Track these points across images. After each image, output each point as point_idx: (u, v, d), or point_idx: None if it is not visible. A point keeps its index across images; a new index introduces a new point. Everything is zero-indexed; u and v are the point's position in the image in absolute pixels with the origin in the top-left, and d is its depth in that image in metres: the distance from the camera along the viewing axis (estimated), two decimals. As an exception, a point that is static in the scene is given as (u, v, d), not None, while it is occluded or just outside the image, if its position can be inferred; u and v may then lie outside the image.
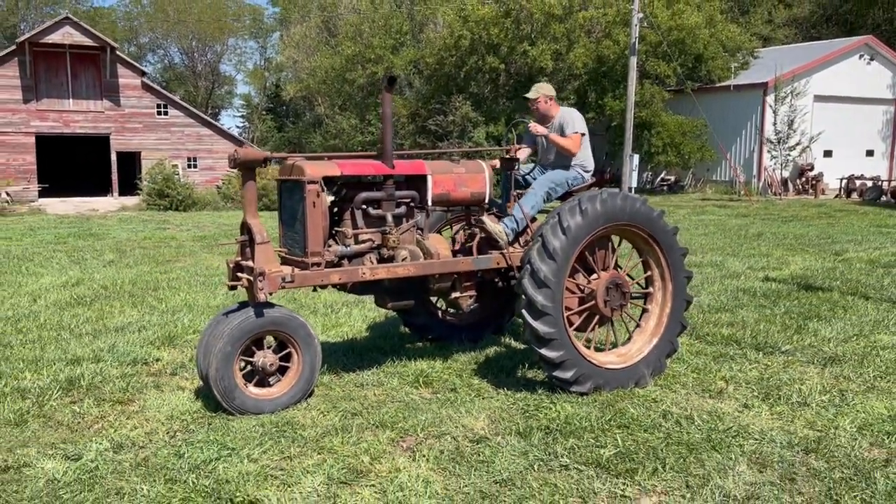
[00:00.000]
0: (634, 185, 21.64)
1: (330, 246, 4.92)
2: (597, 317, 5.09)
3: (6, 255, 12.91)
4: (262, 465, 3.79)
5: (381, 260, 5.08)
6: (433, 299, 6.08)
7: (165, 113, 34.10)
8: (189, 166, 33.32)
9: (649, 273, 5.28)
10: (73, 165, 35.81)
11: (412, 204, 5.23)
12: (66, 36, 30.91)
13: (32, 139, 31.31)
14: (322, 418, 4.48)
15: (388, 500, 3.41)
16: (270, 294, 4.57)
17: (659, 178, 30.64)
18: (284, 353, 4.71)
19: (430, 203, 5.22)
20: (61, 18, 31.94)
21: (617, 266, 5.33)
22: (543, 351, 4.68)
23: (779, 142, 26.37)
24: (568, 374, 4.70)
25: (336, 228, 5.06)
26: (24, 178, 30.64)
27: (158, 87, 36.27)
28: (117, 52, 33.14)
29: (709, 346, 6.03)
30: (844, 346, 5.91)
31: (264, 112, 64.38)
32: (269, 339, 4.74)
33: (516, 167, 5.70)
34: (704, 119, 27.10)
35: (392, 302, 5.29)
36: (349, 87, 38.29)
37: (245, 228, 4.75)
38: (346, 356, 5.81)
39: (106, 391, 4.98)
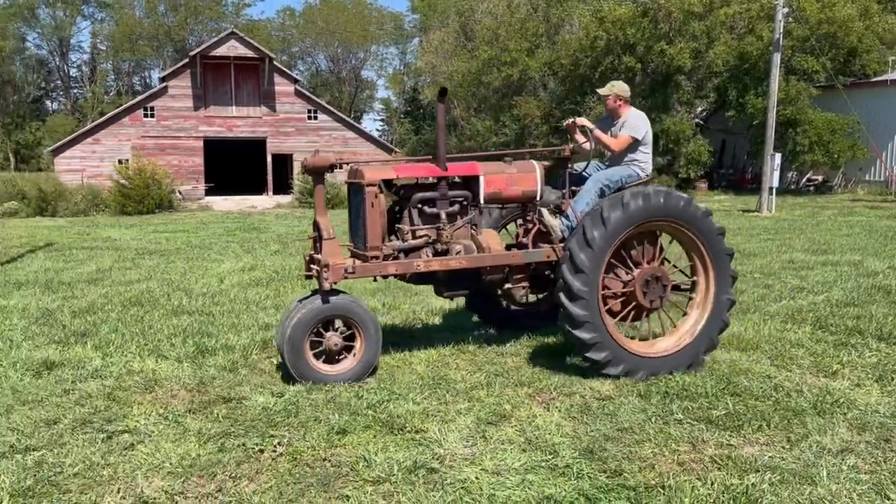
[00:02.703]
0: (776, 185, 21.03)
1: (390, 241, 5.49)
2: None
3: (189, 245, 14.85)
4: (423, 406, 4.67)
5: (436, 254, 5.52)
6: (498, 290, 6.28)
7: (315, 117, 36.59)
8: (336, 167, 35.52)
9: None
10: (234, 166, 39.11)
11: (465, 202, 5.67)
12: (231, 49, 33.96)
13: (201, 143, 34.67)
14: (470, 376, 5.31)
15: (527, 437, 4.16)
16: (335, 283, 5.17)
17: (805, 179, 29.39)
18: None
19: (482, 201, 5.64)
20: (227, 33, 35.08)
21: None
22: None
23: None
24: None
25: (397, 225, 5.61)
26: (193, 177, 34.02)
27: (309, 94, 38.88)
28: (274, 63, 35.98)
29: (831, 335, 6.31)
30: (973, 340, 6.02)
31: (402, 115, 66.83)
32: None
33: (571, 165, 5.98)
34: (857, 116, 25.77)
35: (447, 291, 5.78)
36: (484, 89, 39.31)
37: (315, 226, 5.48)
38: (487, 331, 6.63)
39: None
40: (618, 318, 5.39)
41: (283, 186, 33.99)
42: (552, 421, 4.39)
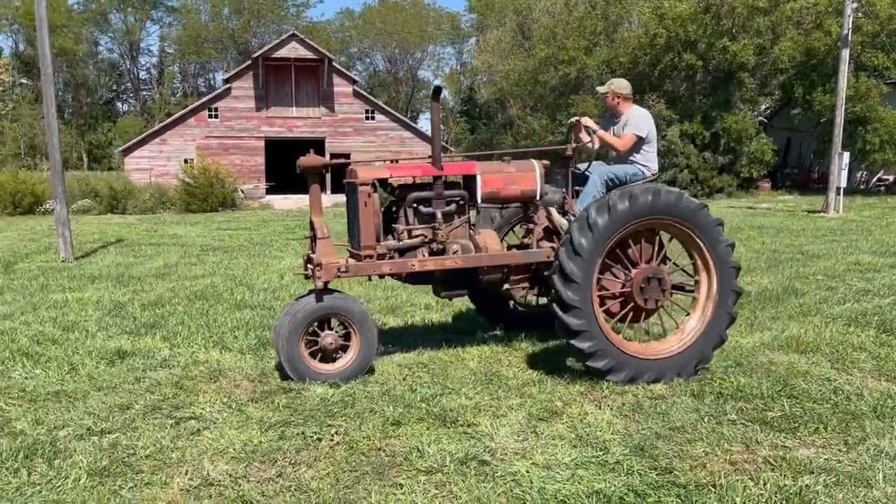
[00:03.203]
0: (844, 185, 20.35)
1: (387, 240, 5.46)
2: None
3: (251, 241, 15.29)
4: (475, 401, 4.76)
5: (432, 253, 5.47)
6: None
7: (372, 118, 37.08)
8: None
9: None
10: (294, 166, 39.93)
11: (462, 202, 5.59)
12: (292, 51, 34.71)
13: (262, 143, 35.56)
14: (522, 373, 5.38)
15: (578, 433, 4.21)
16: (327, 283, 5.18)
17: (875, 178, 28.37)
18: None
19: (479, 201, 5.56)
20: (288, 35, 35.85)
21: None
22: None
23: None
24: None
25: (393, 225, 5.57)
26: (254, 177, 34.92)
27: (367, 94, 39.42)
28: (333, 64, 36.61)
29: (896, 339, 6.15)
30: None
31: (458, 115, 66.99)
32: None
33: (573, 165, 5.90)
34: (930, 113, 24.76)
35: (444, 291, 5.71)
36: (541, 88, 39.12)
37: (311, 226, 5.44)
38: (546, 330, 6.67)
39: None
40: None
41: (340, 186, 34.52)
42: (603, 418, 4.42)
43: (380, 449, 4.04)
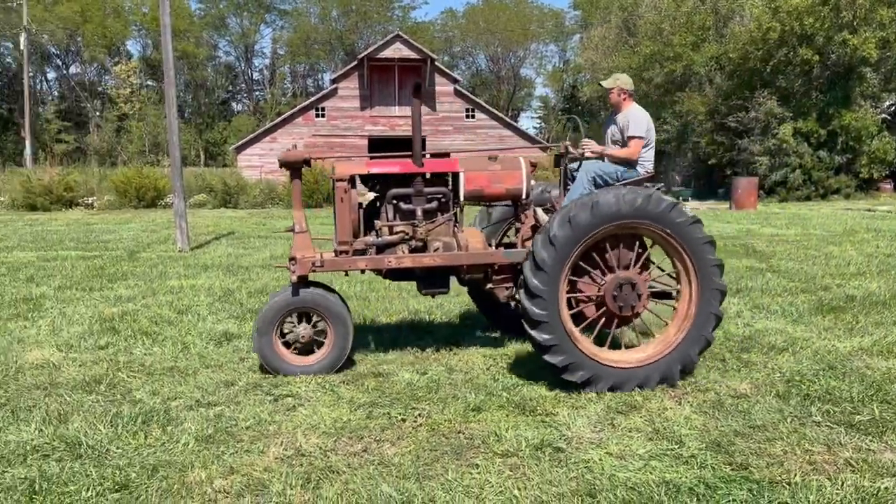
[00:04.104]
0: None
1: (369, 236, 5.45)
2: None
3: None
4: (555, 392, 4.87)
5: (413, 250, 5.42)
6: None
7: (472, 116, 37.43)
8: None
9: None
10: (395, 164, 40.80)
11: (444, 199, 5.49)
12: (396, 51, 35.55)
13: (366, 141, 36.59)
14: (604, 368, 5.44)
15: (655, 427, 4.26)
16: (300, 277, 5.24)
17: None
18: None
19: (462, 198, 5.46)
20: (393, 36, 36.73)
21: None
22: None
23: None
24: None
25: (375, 221, 5.53)
26: (357, 174, 35.98)
27: (467, 93, 39.81)
28: (435, 63, 37.20)
29: None
30: None
31: (560, 113, 66.42)
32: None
33: (565, 163, 5.71)
34: None
35: (425, 289, 5.66)
36: (646, 85, 38.24)
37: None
38: (627, 328, 6.69)
39: (440, 335, 6.48)
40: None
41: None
42: (682, 414, 4.45)
43: (459, 432, 4.23)
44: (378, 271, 5.50)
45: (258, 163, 36.03)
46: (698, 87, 35.33)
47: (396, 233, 5.45)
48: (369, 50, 37.27)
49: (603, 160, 5.90)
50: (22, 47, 45.54)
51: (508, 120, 40.36)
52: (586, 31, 57.65)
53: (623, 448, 3.95)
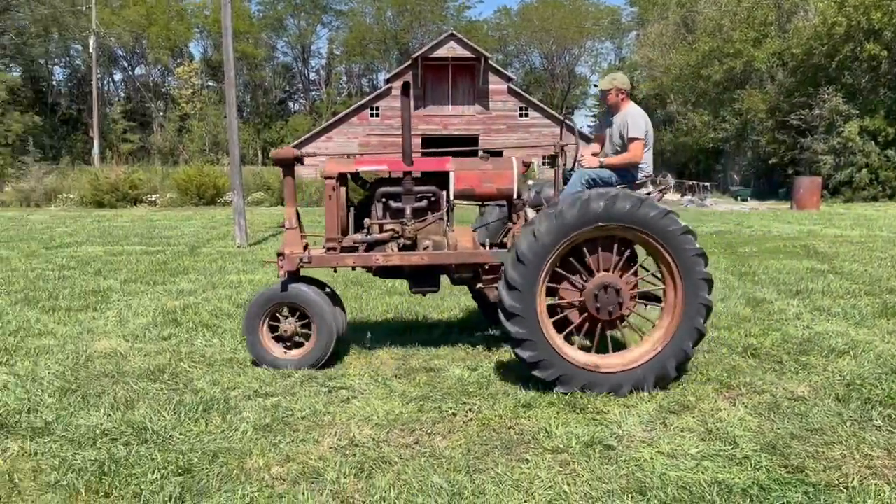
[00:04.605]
0: None
1: (360, 234, 5.52)
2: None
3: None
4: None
5: (402, 248, 5.45)
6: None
7: (526, 115, 37.30)
8: (544, 163, 36.06)
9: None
10: (448, 162, 41.03)
11: (433, 198, 5.52)
12: (450, 50, 35.69)
13: (419, 140, 36.81)
14: (657, 368, 5.39)
15: (707, 427, 4.22)
16: (289, 272, 5.38)
17: None
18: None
19: (452, 197, 5.46)
20: (447, 35, 36.90)
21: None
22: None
23: None
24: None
25: (365, 219, 5.59)
26: (411, 173, 36.28)
27: (521, 92, 39.69)
28: (489, 62, 37.20)
29: None
30: None
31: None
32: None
33: (561, 164, 5.61)
34: None
35: (414, 288, 5.72)
36: (704, 83, 37.57)
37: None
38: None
39: (490, 333, 6.52)
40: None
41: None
42: (736, 416, 4.39)
43: (510, 427, 4.27)
44: (368, 268, 5.59)
45: (314, 161, 36.61)
46: (759, 84, 34.46)
47: (386, 231, 5.52)
48: (423, 49, 37.51)
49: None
50: (91, 50, 47.35)
51: (560, 117, 40.12)
52: (643, 27, 56.81)
53: (675, 447, 3.93)
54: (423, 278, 5.67)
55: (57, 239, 15.05)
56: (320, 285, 5.68)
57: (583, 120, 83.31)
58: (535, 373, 4.79)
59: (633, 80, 62.01)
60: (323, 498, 3.41)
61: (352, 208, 5.72)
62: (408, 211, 5.48)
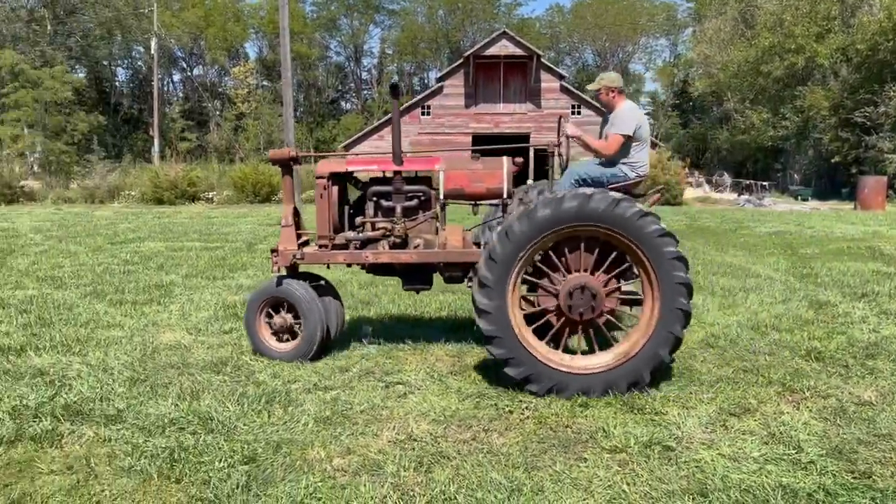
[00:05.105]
0: None
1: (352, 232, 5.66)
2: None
3: (456, 231, 16.06)
4: (665, 392, 4.82)
5: (393, 247, 5.55)
6: None
7: (578, 113, 36.96)
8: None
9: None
10: (499, 161, 41.01)
11: (424, 197, 5.61)
12: (502, 48, 35.61)
13: (469, 139, 36.86)
14: (717, 370, 5.32)
15: (770, 430, 4.15)
16: (281, 269, 5.57)
17: None
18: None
19: (441, 197, 5.49)
20: (499, 33, 36.83)
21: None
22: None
23: None
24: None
25: (357, 217, 5.74)
26: (461, 171, 36.35)
27: (573, 89, 39.33)
28: (541, 60, 36.97)
29: None
30: None
31: (669, 108, 64.48)
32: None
33: (552, 162, 5.59)
34: None
35: (406, 285, 5.79)
36: (763, 79, 36.66)
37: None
38: (742, 329, 6.50)
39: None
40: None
41: (541, 174, 34.94)
42: (800, 419, 4.30)
43: (567, 426, 4.27)
44: (360, 266, 5.73)
45: (366, 160, 36.98)
46: (822, 81, 33.47)
47: (377, 229, 5.66)
48: (475, 48, 37.51)
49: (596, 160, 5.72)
50: (152, 51, 48.77)
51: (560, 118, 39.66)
52: (700, 23, 55.70)
53: (736, 450, 3.88)
54: (414, 276, 5.78)
55: (121, 235, 15.57)
56: (314, 280, 5.91)
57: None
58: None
59: (688, 77, 60.92)
60: (384, 490, 3.47)
61: (347, 207, 5.92)
62: (398, 210, 5.63)
